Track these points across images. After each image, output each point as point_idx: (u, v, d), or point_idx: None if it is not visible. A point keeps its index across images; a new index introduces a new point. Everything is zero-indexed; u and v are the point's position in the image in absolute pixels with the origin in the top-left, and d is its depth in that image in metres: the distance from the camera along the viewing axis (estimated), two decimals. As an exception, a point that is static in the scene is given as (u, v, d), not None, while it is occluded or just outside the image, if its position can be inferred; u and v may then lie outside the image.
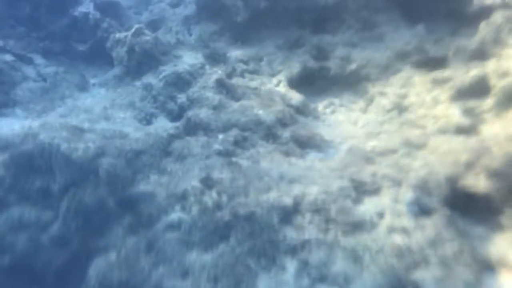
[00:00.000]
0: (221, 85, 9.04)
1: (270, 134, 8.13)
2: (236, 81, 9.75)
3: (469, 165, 6.26)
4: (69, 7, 10.34)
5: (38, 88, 9.43)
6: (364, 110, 8.91)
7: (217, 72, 9.47)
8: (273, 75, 10.02)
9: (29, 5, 10.19)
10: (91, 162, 7.85)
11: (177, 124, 8.54)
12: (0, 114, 8.83)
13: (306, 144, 8.04)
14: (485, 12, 7.93)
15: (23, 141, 7.92)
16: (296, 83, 9.70)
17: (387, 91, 8.81)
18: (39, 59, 9.98)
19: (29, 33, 10.18)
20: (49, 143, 7.85)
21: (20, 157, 7.80)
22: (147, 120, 8.99)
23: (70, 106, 9.30)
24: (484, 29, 7.92)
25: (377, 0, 9.67)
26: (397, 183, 6.56)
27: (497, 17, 7.77)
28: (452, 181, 6.19)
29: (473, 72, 7.73)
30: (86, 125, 8.56)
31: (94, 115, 9.00)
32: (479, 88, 7.54)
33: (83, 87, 9.85)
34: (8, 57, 9.46)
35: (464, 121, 7.31)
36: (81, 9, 10.45)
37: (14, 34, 10.01)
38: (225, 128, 8.24)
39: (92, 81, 10.08)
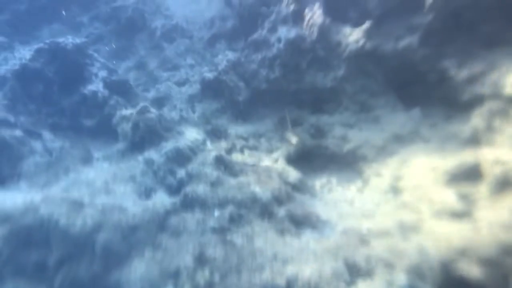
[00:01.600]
0: (220, 162, 9.28)
1: (266, 211, 8.21)
2: (235, 157, 10.02)
3: (463, 252, 6.29)
4: (80, 86, 10.95)
5: (43, 162, 9.75)
6: (361, 190, 8.97)
7: (217, 149, 9.79)
8: (271, 152, 10.23)
9: (43, 84, 10.84)
10: (87, 237, 7.98)
11: (175, 199, 8.68)
12: (5, 187, 9.04)
13: (301, 222, 8.08)
14: (478, 100, 8.22)
15: (23, 215, 8.13)
16: (294, 160, 9.86)
17: (383, 172, 8.92)
18: (47, 134, 10.41)
19: (40, 109, 10.73)
20: (48, 217, 8.07)
21: (19, 231, 7.96)
22: (147, 194, 9.12)
23: (73, 180, 9.50)
24: (477, 117, 8.19)
25: (374, 84, 10.01)
26: (391, 266, 6.54)
27: (489, 105, 8.04)
28: (446, 267, 6.15)
29: (467, 158, 7.92)
30: (86, 199, 8.73)
31: (95, 189, 9.18)
32: (473, 174, 7.67)
33: (87, 161, 10.13)
34: (18, 133, 9.89)
35: (459, 206, 7.39)
36: (91, 87, 11.05)
37: (26, 110, 10.57)
38: (222, 205, 8.36)
39: (97, 155, 10.38)
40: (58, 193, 8.91)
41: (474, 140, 8.17)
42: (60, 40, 11.28)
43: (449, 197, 7.69)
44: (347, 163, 9.58)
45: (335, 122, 10.32)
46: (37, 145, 10.07)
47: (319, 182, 9.48)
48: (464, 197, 7.53)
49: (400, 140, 9.31)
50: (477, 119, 8.18)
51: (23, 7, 14.71)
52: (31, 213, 8.14)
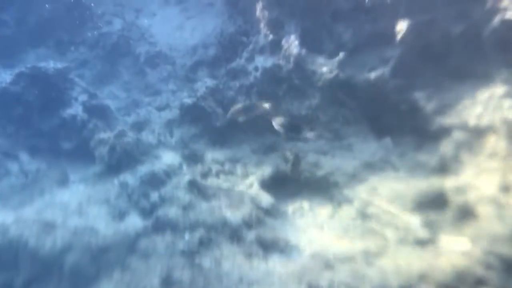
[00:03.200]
0: (193, 186, 9.43)
1: (235, 235, 8.33)
2: (210, 181, 10.15)
3: (422, 277, 6.48)
4: (60, 109, 11.12)
5: (18, 184, 9.84)
6: (331, 216, 9.09)
7: (192, 173, 9.95)
8: (247, 176, 10.38)
9: (22, 107, 11.00)
10: (56, 258, 8.02)
11: (147, 222, 8.77)
12: (-23, 207, 9.07)
13: (270, 247, 8.19)
14: (446, 131, 8.52)
15: (-7, 237, 8.16)
16: (268, 185, 10.00)
17: (353, 199, 9.11)
18: (24, 156, 10.52)
19: (19, 131, 10.85)
20: (17, 238, 8.13)
21: (-12, 252, 7.97)
22: (120, 217, 9.18)
23: (47, 202, 9.56)
24: (444, 147, 8.48)
25: (347, 113, 10.28)
26: (352, 290, 6.64)
27: (456, 136, 8.33)
28: (404, 292, 6.29)
29: (434, 186, 8.17)
30: (58, 221, 8.80)
31: (69, 211, 9.24)
32: (438, 202, 7.92)
33: (63, 183, 10.21)
34: (-6, 154, 9.99)
35: (423, 233, 7.62)
36: (70, 111, 11.22)
37: (4, 133, 10.69)
38: (192, 228, 8.46)
39: (73, 177, 10.46)
40: (31, 214, 8.96)
41: (441, 169, 8.44)
42: (42, 64, 11.52)
43: (413, 223, 7.92)
44: (320, 189, 9.73)
45: (309, 149, 10.52)
46: (13, 166, 10.17)
47: (291, 207, 9.59)
48: (428, 224, 7.77)
49: (371, 168, 9.55)
50: (444, 149, 8.48)
51: (10, 31, 14.99)
52: (0, 234, 8.18)
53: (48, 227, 8.56)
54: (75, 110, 11.27)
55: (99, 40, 15.31)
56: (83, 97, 11.68)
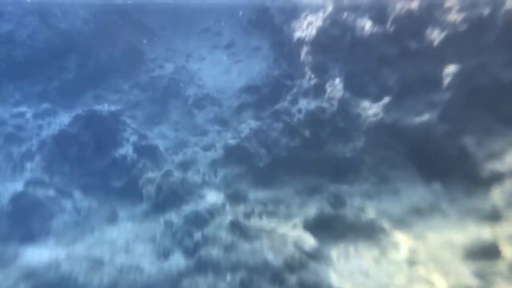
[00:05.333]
0: (236, 226, 9.50)
1: (277, 278, 8.24)
2: (253, 222, 10.20)
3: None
4: (111, 149, 11.74)
5: (71, 221, 10.32)
6: (377, 261, 8.85)
7: (235, 213, 10.05)
8: (290, 218, 10.34)
9: (78, 147, 11.74)
10: (103, 295, 8.27)
11: (190, 262, 8.88)
12: (34, 243, 9.59)
13: (312, 291, 8.03)
14: (497, 178, 8.25)
15: (46, 271, 8.62)
16: (312, 227, 9.90)
17: (400, 244, 8.87)
18: (78, 194, 11.10)
19: (73, 170, 11.52)
20: (68, 274, 8.49)
21: (41, 287, 8.34)
22: (164, 255, 9.36)
23: (97, 238, 9.94)
24: (496, 194, 8.18)
25: (394, 157, 10.17)
26: None
27: (509, 183, 8.04)
28: None
29: (486, 235, 7.84)
30: (106, 258, 9.12)
31: (117, 248, 9.55)
32: (491, 252, 7.60)
33: (112, 221, 10.60)
34: (51, 192, 10.69)
35: (474, 282, 7.25)
36: (122, 151, 11.83)
37: (60, 171, 11.39)
38: (234, 269, 8.47)
39: (122, 215, 10.84)
40: (81, 251, 9.35)
41: (493, 217, 8.13)
42: (97, 107, 12.29)
43: (464, 273, 7.56)
44: (365, 233, 9.54)
45: (355, 192, 10.41)
46: (67, 204, 10.72)
47: (335, 251, 9.42)
48: (480, 274, 7.40)
49: (419, 213, 9.33)
50: (496, 196, 8.17)
51: (71, 75, 16.14)
52: (53, 270, 8.60)
53: (97, 264, 8.89)
54: (126, 150, 11.83)
55: (151, 83, 16.14)
56: (133, 138, 12.25)
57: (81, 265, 8.78)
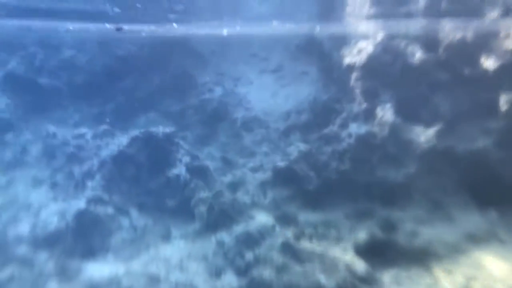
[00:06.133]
0: (287, 248, 9.67)
1: (330, 301, 8.32)
2: (303, 244, 10.32)
3: None
4: (166, 169, 12.28)
5: (128, 237, 10.81)
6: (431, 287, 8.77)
7: (285, 235, 10.23)
8: (340, 241, 10.39)
9: (135, 167, 12.37)
10: (160, 312, 8.61)
11: (242, 282, 9.10)
12: (95, 258, 10.10)
13: (365, 316, 8.04)
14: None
15: (108, 286, 9.08)
16: (363, 251, 9.92)
17: (455, 271, 8.76)
18: (134, 212, 11.64)
19: (130, 189, 12.11)
20: (128, 290, 8.93)
21: (104, 301, 8.83)
22: (216, 274, 9.62)
23: (152, 255, 10.35)
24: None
25: (447, 183, 10.11)
26: None
27: None
28: None
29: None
30: (162, 274, 9.51)
31: (171, 265, 9.92)
32: None
33: (166, 239, 11.01)
34: (110, 210, 11.32)
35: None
36: (175, 171, 12.34)
37: (119, 190, 12.01)
38: (286, 291, 8.62)
39: (175, 233, 11.23)
40: (138, 267, 9.78)
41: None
42: (153, 129, 12.91)
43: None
44: (418, 259, 9.47)
45: (406, 217, 10.38)
46: (124, 221, 11.25)
47: (388, 276, 9.38)
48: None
49: (474, 240, 9.20)
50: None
51: (126, 98, 17.01)
52: (115, 285, 9.06)
53: (154, 280, 9.29)
54: (179, 170, 12.31)
55: (201, 105, 16.72)
56: (186, 159, 12.73)
57: (139, 281, 9.21)
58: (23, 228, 10.86)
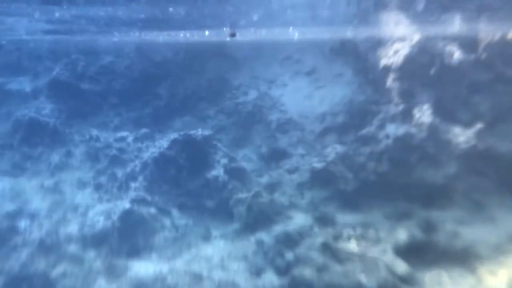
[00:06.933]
0: (327, 248, 9.79)
1: (371, 301, 8.40)
2: (342, 244, 10.42)
3: None
4: (205, 171, 12.62)
5: (171, 237, 11.18)
6: (474, 288, 8.73)
7: (324, 235, 10.35)
8: (379, 242, 10.43)
9: (175, 169, 12.78)
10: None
11: (283, 281, 9.29)
12: (140, 257, 10.51)
13: (408, 316, 8.07)
14: None
15: (154, 284, 9.44)
16: (402, 252, 9.93)
17: (498, 272, 8.68)
18: (175, 212, 12.03)
19: (171, 190, 12.51)
20: (173, 287, 9.24)
21: (150, 297, 9.21)
22: (257, 273, 9.84)
23: (194, 254, 10.67)
24: None
25: (488, 183, 10.02)
26: None
27: None
28: None
29: None
30: (205, 273, 9.80)
31: (213, 264, 10.21)
32: None
33: (206, 238, 11.31)
34: (152, 210, 11.72)
35: None
36: (214, 172, 12.68)
37: (160, 191, 12.44)
38: (328, 290, 8.75)
39: (215, 233, 11.53)
40: (182, 266, 10.11)
41: None
42: (192, 132, 13.28)
43: None
44: (459, 260, 9.42)
45: (447, 218, 10.33)
46: (166, 221, 11.63)
47: (428, 277, 9.37)
48: None
49: (519, 241, 9.08)
50: None
51: (162, 102, 17.54)
52: (160, 282, 9.42)
53: (197, 278, 9.60)
54: (218, 172, 12.63)
55: (235, 108, 17.04)
56: (224, 161, 13.04)
57: (183, 279, 9.53)
58: (73, 227, 11.39)
